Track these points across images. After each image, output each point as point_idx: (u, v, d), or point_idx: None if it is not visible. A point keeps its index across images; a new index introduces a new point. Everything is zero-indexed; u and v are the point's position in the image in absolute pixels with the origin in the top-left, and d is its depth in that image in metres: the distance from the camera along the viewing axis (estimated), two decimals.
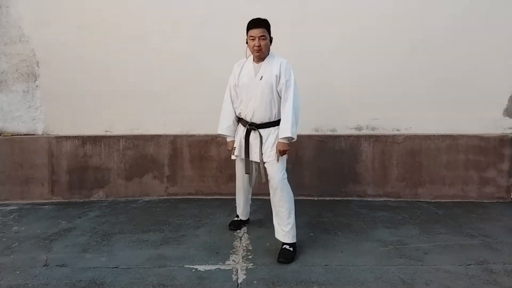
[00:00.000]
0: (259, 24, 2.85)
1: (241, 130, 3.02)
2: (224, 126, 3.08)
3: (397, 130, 4.43)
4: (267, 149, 2.93)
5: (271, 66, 2.89)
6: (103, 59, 4.34)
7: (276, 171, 2.90)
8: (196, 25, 4.30)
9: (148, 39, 4.31)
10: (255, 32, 2.83)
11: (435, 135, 4.38)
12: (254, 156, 2.99)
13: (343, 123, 4.42)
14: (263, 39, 2.83)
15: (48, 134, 4.44)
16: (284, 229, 2.89)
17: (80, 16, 4.29)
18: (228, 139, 3.13)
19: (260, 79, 2.87)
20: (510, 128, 4.42)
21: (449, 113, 4.38)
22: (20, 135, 4.43)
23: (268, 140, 2.94)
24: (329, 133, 4.44)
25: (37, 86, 4.40)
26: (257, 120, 2.93)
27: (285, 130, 2.83)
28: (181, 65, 4.33)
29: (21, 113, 4.44)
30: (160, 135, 4.42)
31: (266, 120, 2.92)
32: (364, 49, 4.31)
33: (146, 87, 4.38)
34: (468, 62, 4.31)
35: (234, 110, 3.07)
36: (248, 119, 2.96)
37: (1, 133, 4.44)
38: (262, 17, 2.99)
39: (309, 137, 4.40)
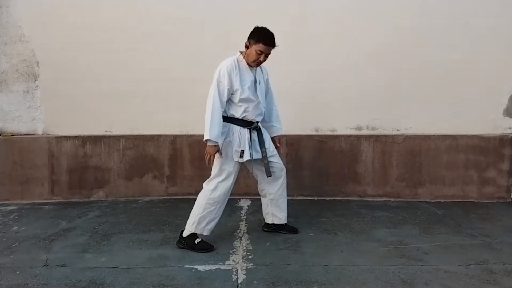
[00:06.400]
0: (272, 43, 2.87)
1: (244, 132, 2.98)
2: (216, 132, 2.81)
3: (397, 130, 4.44)
4: (270, 145, 3.16)
5: (261, 70, 3.15)
6: (103, 59, 4.34)
7: (281, 161, 3.22)
8: (196, 25, 4.30)
9: (148, 39, 4.31)
10: (266, 49, 2.87)
11: (435, 135, 4.38)
12: (256, 155, 3.01)
13: (343, 123, 4.43)
14: (267, 56, 2.93)
15: (48, 134, 4.44)
16: (286, 211, 3.27)
17: (80, 16, 4.29)
18: (216, 146, 2.86)
19: (259, 84, 3.04)
20: (510, 128, 4.42)
21: (449, 113, 4.38)
22: (20, 135, 4.43)
23: (265, 134, 3.16)
24: (329, 133, 4.44)
25: (37, 86, 4.40)
26: (260, 119, 3.11)
27: (280, 129, 3.31)
28: (181, 65, 4.33)
29: (21, 113, 4.44)
30: (160, 135, 4.42)
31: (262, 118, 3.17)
32: (364, 49, 4.31)
33: (146, 87, 4.38)
34: (468, 62, 4.31)
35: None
36: (255, 120, 3.03)
37: (1, 133, 4.44)
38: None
39: (309, 137, 4.40)
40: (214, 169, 2.98)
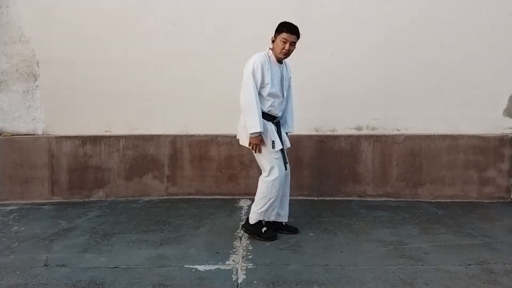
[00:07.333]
0: (295, 31, 2.99)
1: (270, 124, 3.09)
2: (261, 123, 2.95)
3: (397, 130, 4.44)
4: (286, 138, 3.25)
5: (286, 67, 3.23)
6: (103, 59, 4.34)
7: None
8: (196, 25, 4.30)
9: (148, 39, 4.31)
10: (290, 37, 2.96)
11: (435, 135, 4.38)
12: (278, 146, 3.09)
13: (343, 123, 4.43)
14: (293, 45, 3.01)
15: (48, 134, 4.44)
16: (287, 210, 3.31)
17: (80, 16, 4.29)
18: (260, 135, 3.00)
19: (285, 81, 3.16)
20: (510, 128, 4.42)
21: (449, 113, 4.38)
22: (20, 135, 4.43)
23: (282, 128, 3.24)
24: (329, 133, 4.44)
25: (37, 86, 4.40)
26: (281, 114, 3.23)
27: (292, 126, 3.37)
28: (181, 65, 4.33)
29: (21, 113, 4.44)
30: (160, 135, 4.42)
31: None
32: (364, 49, 4.31)
33: (146, 87, 4.38)
34: (468, 62, 4.32)
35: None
36: (277, 115, 3.17)
37: (1, 133, 4.43)
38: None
39: (309, 137, 4.40)
40: (264, 163, 3.08)
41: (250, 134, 2.97)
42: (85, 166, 4.41)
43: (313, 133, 4.43)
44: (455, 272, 2.61)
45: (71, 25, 4.30)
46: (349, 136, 4.40)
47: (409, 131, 4.42)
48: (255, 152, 3.06)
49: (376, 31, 4.29)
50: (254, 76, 2.94)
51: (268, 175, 3.07)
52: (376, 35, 4.29)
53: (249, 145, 3.04)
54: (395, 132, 4.42)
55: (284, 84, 3.13)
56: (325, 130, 4.45)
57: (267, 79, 2.99)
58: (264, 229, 3.17)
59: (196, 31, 4.30)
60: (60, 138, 4.40)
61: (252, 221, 3.16)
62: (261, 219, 3.16)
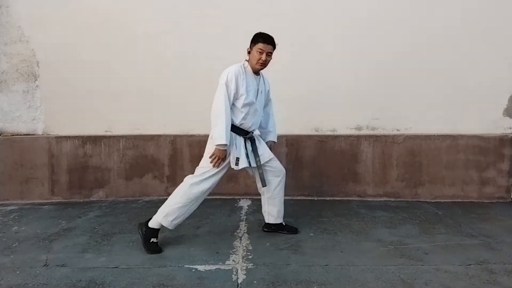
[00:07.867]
0: (271, 41, 2.94)
1: (239, 139, 3.01)
2: (228, 135, 2.85)
3: (397, 130, 4.44)
4: (264, 151, 3.14)
5: (264, 80, 3.17)
6: (103, 59, 4.34)
7: (279, 163, 3.22)
8: (196, 25, 4.30)
9: (148, 39, 4.31)
10: (266, 47, 2.92)
11: (435, 135, 4.38)
12: (253, 163, 3.04)
13: (343, 123, 4.43)
14: (269, 55, 2.96)
15: (48, 134, 4.45)
16: (281, 212, 3.27)
17: (80, 16, 4.30)
18: (225, 150, 2.91)
19: (261, 93, 3.09)
20: (510, 128, 4.42)
21: (449, 113, 4.38)
22: (20, 135, 4.43)
23: (258, 142, 3.16)
24: (329, 133, 4.44)
25: (37, 86, 4.41)
26: (255, 128, 3.15)
27: (275, 135, 3.36)
28: (181, 65, 4.33)
29: (21, 113, 4.44)
30: (160, 135, 4.42)
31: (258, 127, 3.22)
32: (364, 49, 4.31)
33: (146, 87, 4.39)
34: (468, 62, 4.32)
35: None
36: (250, 129, 3.07)
37: (1, 133, 4.44)
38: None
39: (309, 137, 4.40)
40: (205, 168, 3.00)
41: (216, 145, 2.85)
42: (85, 166, 4.41)
43: (313, 133, 4.44)
44: (455, 272, 2.61)
45: (71, 25, 4.31)
46: (349, 136, 4.40)
47: (409, 131, 4.43)
48: (213, 166, 2.91)
49: (376, 31, 4.29)
50: (227, 87, 2.87)
51: (193, 177, 2.99)
52: (376, 35, 4.30)
53: (211, 156, 2.90)
54: (395, 132, 4.43)
55: (259, 96, 3.05)
56: (325, 130, 4.45)
57: (242, 90, 2.91)
58: (154, 239, 2.95)
59: (196, 31, 4.30)
60: (60, 138, 4.40)
61: (152, 223, 2.96)
62: (162, 223, 2.93)
